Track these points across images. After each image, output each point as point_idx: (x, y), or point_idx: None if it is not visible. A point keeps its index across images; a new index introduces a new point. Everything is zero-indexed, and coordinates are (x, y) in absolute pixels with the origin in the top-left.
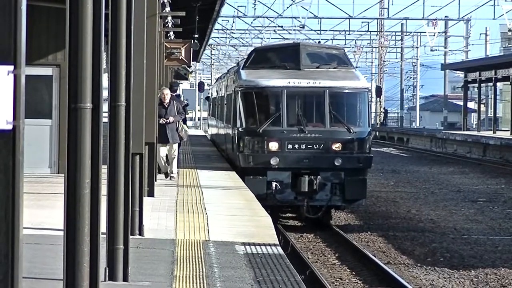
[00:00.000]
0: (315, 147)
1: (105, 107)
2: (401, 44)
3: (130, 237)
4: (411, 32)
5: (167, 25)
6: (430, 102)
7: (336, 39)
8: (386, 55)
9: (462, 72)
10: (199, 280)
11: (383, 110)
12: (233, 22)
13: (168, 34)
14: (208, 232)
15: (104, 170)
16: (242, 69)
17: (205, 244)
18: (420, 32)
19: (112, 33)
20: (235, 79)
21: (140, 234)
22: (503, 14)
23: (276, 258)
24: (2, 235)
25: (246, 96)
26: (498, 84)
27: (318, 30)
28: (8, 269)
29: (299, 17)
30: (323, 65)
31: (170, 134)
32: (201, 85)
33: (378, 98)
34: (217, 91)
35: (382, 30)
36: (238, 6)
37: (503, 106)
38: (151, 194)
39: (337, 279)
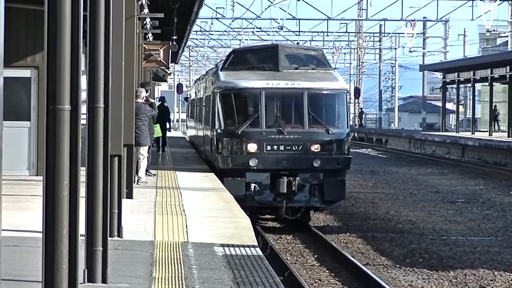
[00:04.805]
0: (294, 149)
1: (83, 109)
2: (380, 45)
3: (109, 239)
4: (389, 33)
5: (145, 26)
6: (408, 103)
7: (315, 40)
8: (365, 56)
9: (441, 73)
10: (178, 281)
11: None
12: (212, 23)
13: (147, 36)
14: (187, 234)
15: (82, 172)
16: (221, 70)
17: (184, 246)
18: (399, 33)
19: (90, 35)
20: (214, 81)
21: (119, 236)
22: (481, 15)
23: (255, 259)
24: None
25: (224, 97)
26: (476, 85)
27: (297, 31)
28: None
29: (277, 19)
30: (301, 66)
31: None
32: (179, 87)
33: (356, 100)
34: (195, 92)
35: (361, 31)
36: (216, 8)
37: (481, 107)
38: (129, 196)
39: (316, 280)
